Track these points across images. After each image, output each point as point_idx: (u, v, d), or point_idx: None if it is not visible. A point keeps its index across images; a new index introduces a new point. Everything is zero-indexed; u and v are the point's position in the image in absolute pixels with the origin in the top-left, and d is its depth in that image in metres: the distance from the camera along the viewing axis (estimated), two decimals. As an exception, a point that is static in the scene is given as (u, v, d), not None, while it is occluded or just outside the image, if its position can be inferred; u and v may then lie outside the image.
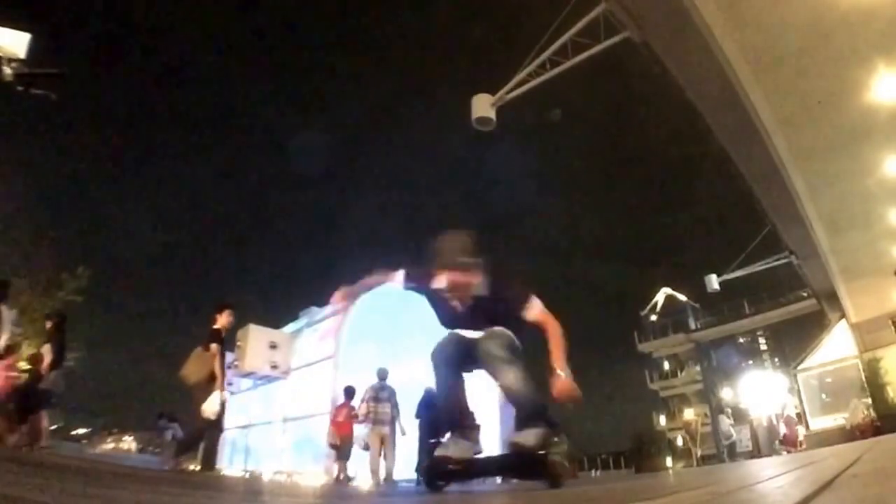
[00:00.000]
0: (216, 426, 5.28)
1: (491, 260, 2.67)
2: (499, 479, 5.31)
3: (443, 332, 2.91)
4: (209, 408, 5.06)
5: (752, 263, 17.21)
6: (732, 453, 16.68)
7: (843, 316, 16.54)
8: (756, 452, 16.09)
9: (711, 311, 33.62)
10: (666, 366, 34.82)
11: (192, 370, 5.21)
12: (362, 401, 8.06)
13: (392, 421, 7.91)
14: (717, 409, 19.69)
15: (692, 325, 34.43)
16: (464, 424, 2.69)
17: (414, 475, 7.72)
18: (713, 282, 18.24)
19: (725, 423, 17.73)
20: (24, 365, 6.14)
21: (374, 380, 8.31)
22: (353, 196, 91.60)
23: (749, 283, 20.11)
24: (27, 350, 6.01)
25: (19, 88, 3.96)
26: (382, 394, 7.98)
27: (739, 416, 21.75)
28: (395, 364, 11.41)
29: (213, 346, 5.25)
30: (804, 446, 13.97)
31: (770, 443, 15.53)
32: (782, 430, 15.21)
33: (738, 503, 1.49)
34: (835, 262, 14.33)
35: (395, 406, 8.00)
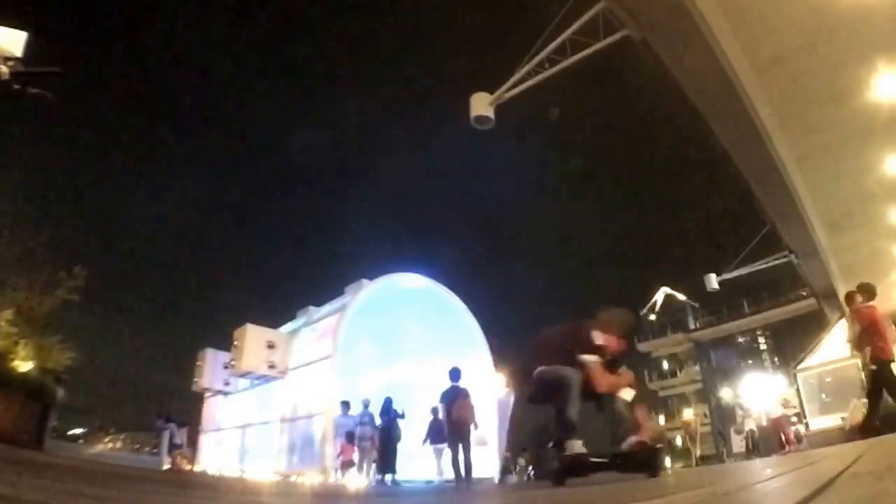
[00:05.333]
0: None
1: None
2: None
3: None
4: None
5: (751, 263, 17.16)
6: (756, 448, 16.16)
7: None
8: (756, 452, 16.03)
9: (711, 311, 33.64)
10: (665, 365, 34.84)
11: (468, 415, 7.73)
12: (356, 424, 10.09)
13: (371, 438, 9.96)
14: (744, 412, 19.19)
15: (691, 325, 34.44)
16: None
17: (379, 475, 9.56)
18: (712, 281, 18.16)
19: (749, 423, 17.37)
20: (21, 364, 6.10)
21: (363, 395, 10.54)
22: (351, 196, 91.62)
23: (749, 282, 20.06)
24: (23, 350, 5.95)
25: (16, 87, 3.91)
26: (366, 419, 10.07)
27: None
28: (392, 364, 11.36)
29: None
30: (804, 446, 13.94)
31: (769, 443, 15.46)
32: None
33: (737, 503, 1.47)
34: (835, 262, 14.31)
35: (372, 426, 9.94)
